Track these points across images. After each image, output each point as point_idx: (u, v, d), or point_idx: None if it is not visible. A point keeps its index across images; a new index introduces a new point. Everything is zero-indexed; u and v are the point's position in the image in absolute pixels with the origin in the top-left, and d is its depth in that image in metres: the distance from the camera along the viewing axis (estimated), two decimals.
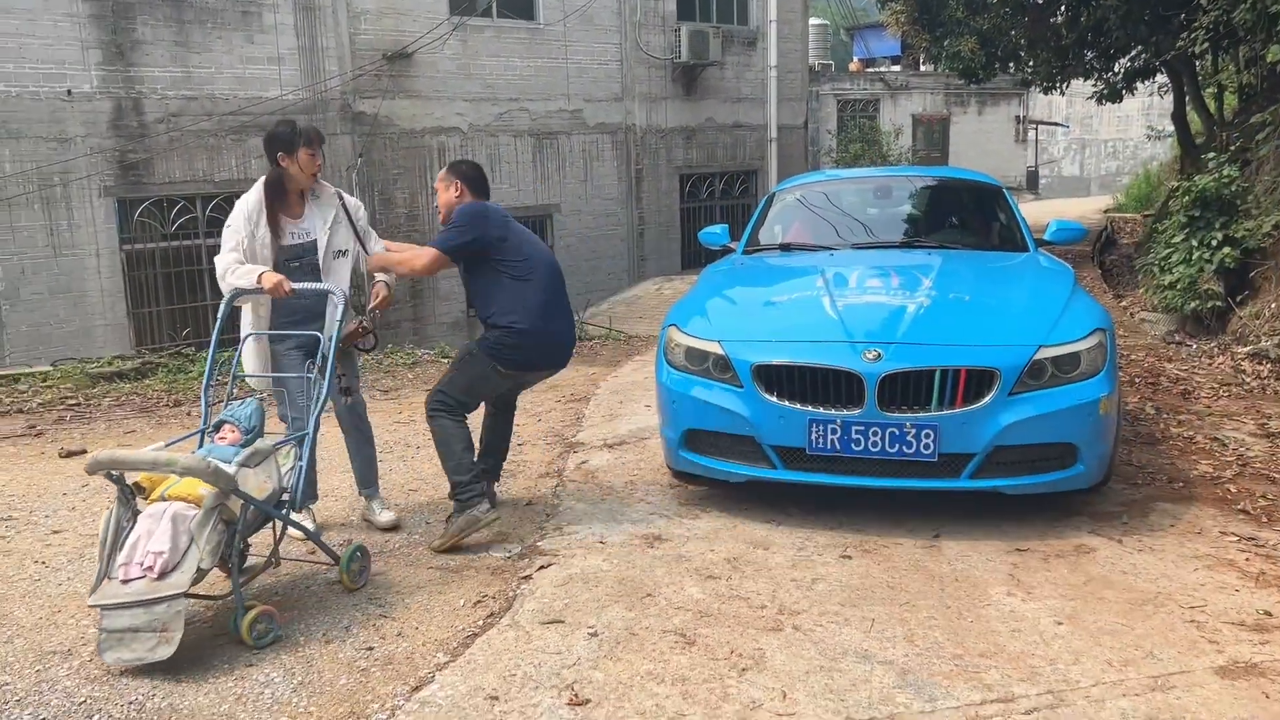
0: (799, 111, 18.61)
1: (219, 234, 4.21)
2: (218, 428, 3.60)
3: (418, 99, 13.65)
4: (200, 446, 3.57)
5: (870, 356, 3.87)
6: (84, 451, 5.49)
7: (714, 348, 4.19)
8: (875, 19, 38.52)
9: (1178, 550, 3.72)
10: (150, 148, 11.54)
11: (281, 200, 4.11)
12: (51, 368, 7.26)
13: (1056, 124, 37.81)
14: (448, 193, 4.32)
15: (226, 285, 3.97)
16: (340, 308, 3.68)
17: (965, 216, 5.74)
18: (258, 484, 3.25)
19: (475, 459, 4.15)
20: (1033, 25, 13.01)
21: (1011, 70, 15.33)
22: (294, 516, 3.51)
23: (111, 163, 11.29)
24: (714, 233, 6.27)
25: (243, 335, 4.22)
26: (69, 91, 10.98)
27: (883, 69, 35.19)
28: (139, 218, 11.60)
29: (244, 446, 3.45)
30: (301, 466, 3.47)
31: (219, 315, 3.88)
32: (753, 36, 17.53)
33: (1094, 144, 39.26)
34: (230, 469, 3.12)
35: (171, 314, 11.94)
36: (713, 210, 17.44)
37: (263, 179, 4.12)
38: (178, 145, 11.70)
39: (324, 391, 3.59)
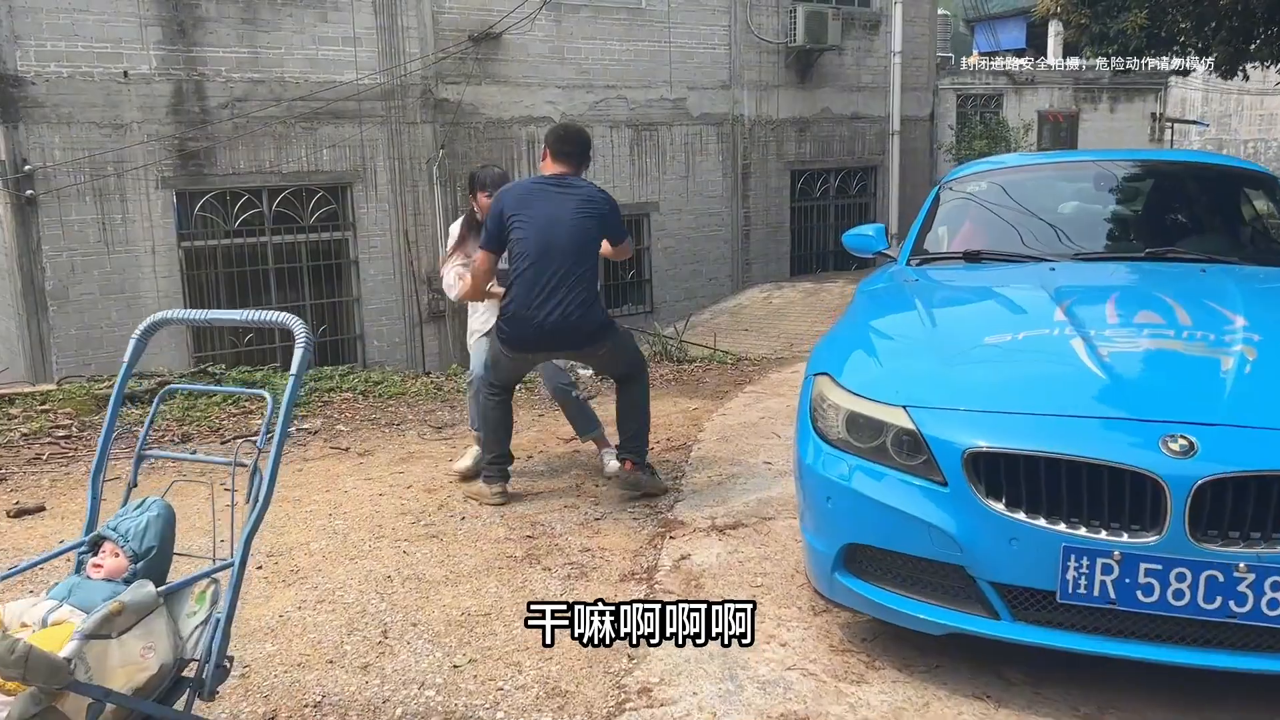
0: (924, 102, 16.82)
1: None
2: (95, 546, 2.24)
3: (506, 85, 12.39)
4: (76, 574, 2.21)
5: (1176, 447, 2.32)
6: (40, 509, 4.27)
7: (896, 416, 2.66)
8: (997, 9, 36.14)
9: None
10: (213, 135, 10.51)
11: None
12: (55, 387, 6.13)
13: (1194, 122, 34.80)
14: (544, 160, 4.37)
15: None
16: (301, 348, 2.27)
17: (1232, 215, 4.09)
18: (127, 663, 1.88)
19: (506, 445, 4.40)
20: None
21: (1179, 49, 13.31)
22: (200, 710, 2.12)
23: (170, 151, 10.29)
24: (864, 235, 4.71)
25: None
26: (125, 73, 10.00)
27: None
28: (199, 212, 10.59)
29: (129, 581, 2.09)
30: (220, 619, 2.09)
31: (127, 355, 2.48)
32: (875, 19, 15.82)
33: (1232, 144, 36.04)
34: (68, 647, 1.75)
35: None
36: (826, 210, 15.81)
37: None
38: (242, 133, 10.65)
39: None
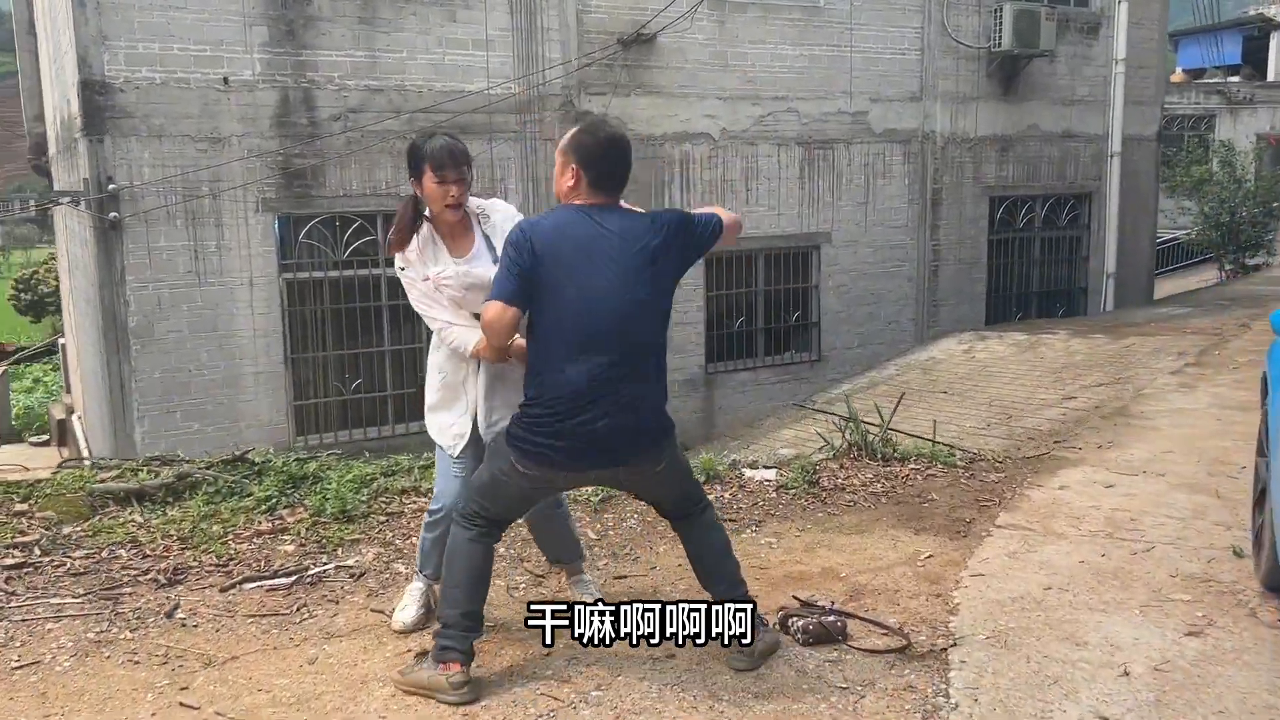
0: (1150, 119, 14.20)
1: None
2: None
3: (658, 95, 10.63)
4: None
5: None
6: None
7: None
8: (1194, 22, 32.40)
9: None
10: (322, 152, 9.11)
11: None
12: (55, 471, 4.61)
13: None
14: (562, 179, 3.04)
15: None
16: None
17: None
18: None
19: (479, 604, 3.00)
20: None
21: None
22: None
23: (273, 169, 8.95)
24: None
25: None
26: (225, 79, 8.71)
27: (1215, 80, 29.27)
28: (304, 239, 9.21)
29: None
30: None
31: None
32: (1094, 21, 13.37)
33: None
34: None
35: (340, 360, 9.48)
36: (1030, 243, 13.38)
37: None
38: (356, 149, 9.23)
39: None
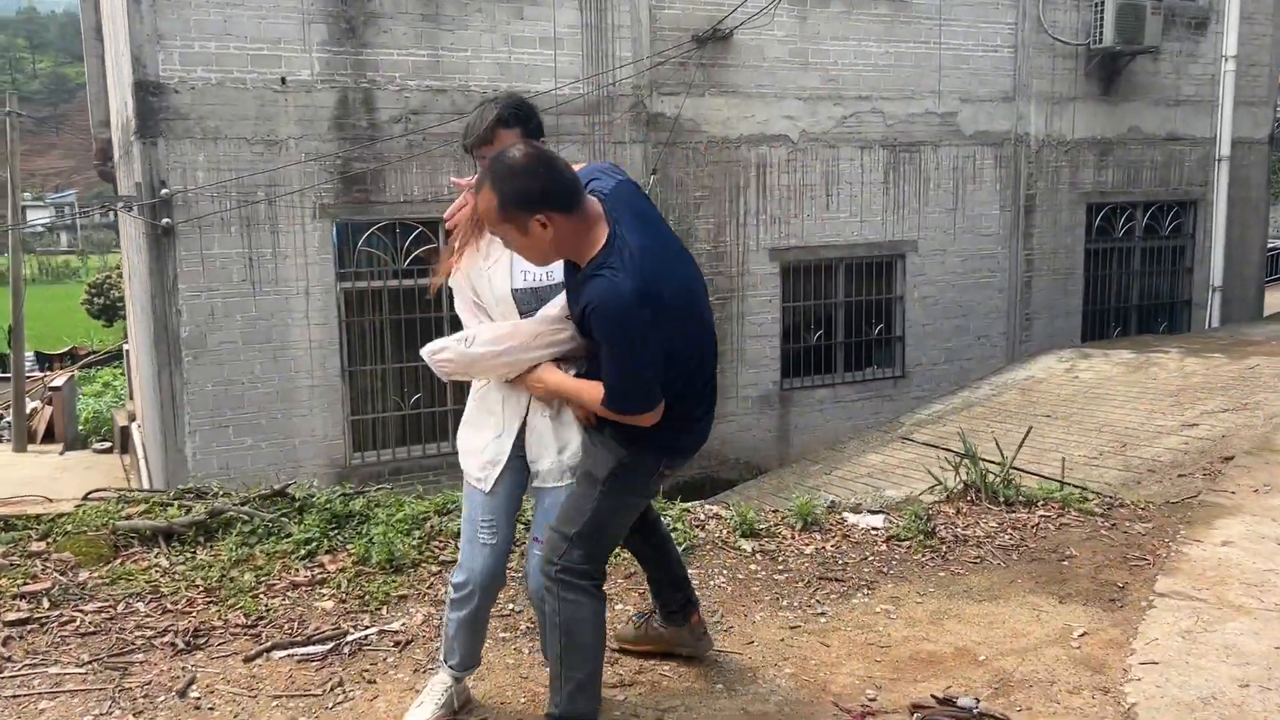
0: (1263, 120, 13.20)
1: None
2: None
3: (734, 96, 10.03)
4: None
5: None
6: None
7: None
8: None
9: None
10: (382, 155, 8.68)
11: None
12: (79, 504, 4.15)
13: None
14: (527, 233, 2.36)
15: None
16: None
17: None
18: None
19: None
20: None
21: None
22: None
23: (331, 174, 8.54)
24: None
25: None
26: (283, 79, 8.32)
27: None
28: (363, 246, 8.78)
29: None
30: None
31: None
32: (1203, 15, 12.45)
33: None
34: None
35: (399, 374, 9.03)
36: (1130, 254, 12.49)
37: None
38: (418, 152, 8.78)
39: None
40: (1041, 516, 4.32)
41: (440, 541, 3.90)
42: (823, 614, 3.41)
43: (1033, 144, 11.56)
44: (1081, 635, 3.23)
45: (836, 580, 3.67)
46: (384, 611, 3.38)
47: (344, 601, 3.42)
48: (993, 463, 4.75)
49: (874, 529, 4.15)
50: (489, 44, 9.02)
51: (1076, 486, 4.80)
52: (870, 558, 3.91)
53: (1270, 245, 19.09)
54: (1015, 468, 4.80)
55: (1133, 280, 12.53)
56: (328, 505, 4.07)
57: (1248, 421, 7.18)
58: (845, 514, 4.34)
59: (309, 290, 8.56)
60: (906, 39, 10.75)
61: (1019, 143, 11.48)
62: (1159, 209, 12.59)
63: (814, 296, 10.71)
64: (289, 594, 3.47)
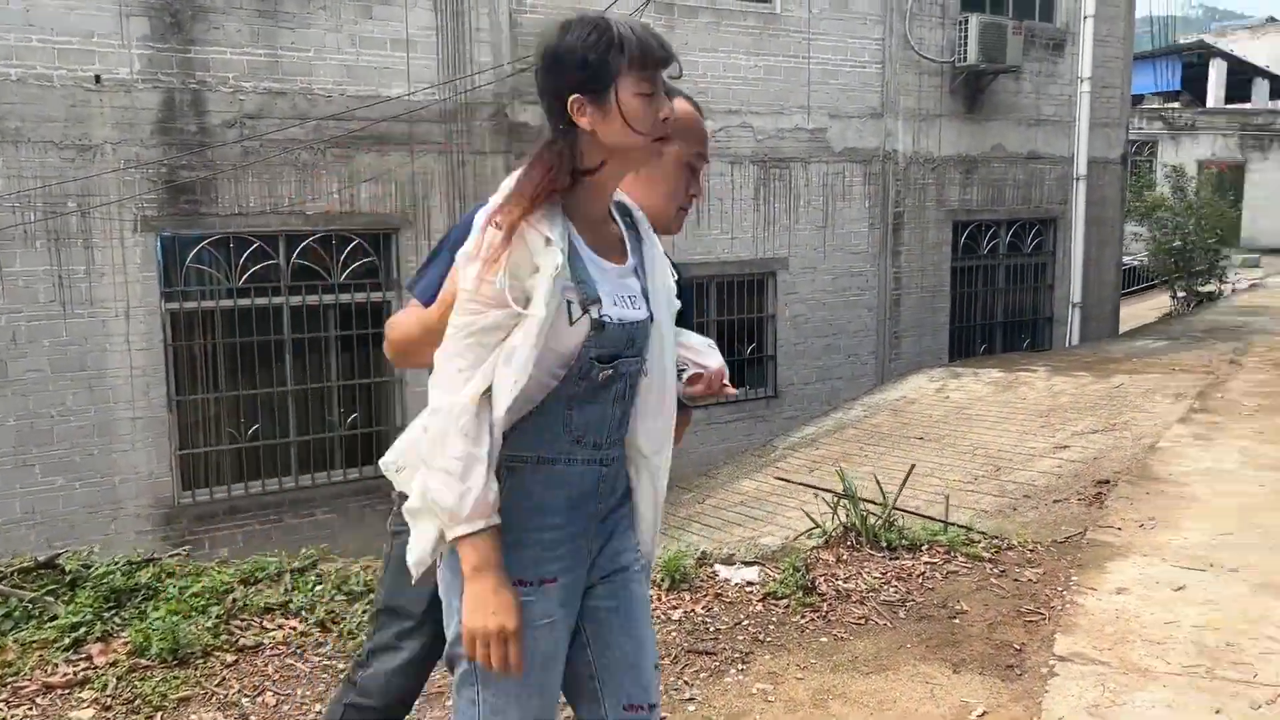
0: (1115, 141, 13.57)
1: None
2: None
3: None
4: None
5: None
6: None
7: None
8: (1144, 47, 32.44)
9: None
10: (214, 163, 7.89)
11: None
12: None
13: None
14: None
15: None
16: None
17: None
18: None
19: None
20: None
21: None
22: None
23: (155, 183, 7.70)
24: None
25: None
26: (97, 78, 7.46)
27: (1156, 106, 29.23)
28: (192, 263, 7.96)
29: None
30: None
31: None
32: (1060, 37, 12.70)
33: None
34: None
35: (235, 403, 8.22)
36: (994, 271, 12.60)
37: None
38: (254, 160, 8.01)
39: None
40: (927, 564, 3.97)
41: (242, 620, 3.27)
42: (691, 699, 2.95)
43: (901, 161, 11.51)
44: (982, 716, 2.85)
45: (707, 654, 3.21)
46: None
47: (107, 709, 2.77)
48: (872, 503, 4.39)
49: (749, 584, 3.72)
50: (334, 44, 8.33)
51: (961, 527, 4.50)
52: (745, 621, 3.47)
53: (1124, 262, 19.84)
54: (897, 508, 4.46)
55: (997, 297, 12.65)
56: (106, 578, 3.39)
57: (1117, 443, 7.11)
58: (718, 566, 3.90)
59: (129, 311, 7.69)
60: (776, 52, 10.54)
61: (887, 160, 11.41)
62: (1021, 227, 12.75)
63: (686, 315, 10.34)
64: (38, 701, 2.80)
